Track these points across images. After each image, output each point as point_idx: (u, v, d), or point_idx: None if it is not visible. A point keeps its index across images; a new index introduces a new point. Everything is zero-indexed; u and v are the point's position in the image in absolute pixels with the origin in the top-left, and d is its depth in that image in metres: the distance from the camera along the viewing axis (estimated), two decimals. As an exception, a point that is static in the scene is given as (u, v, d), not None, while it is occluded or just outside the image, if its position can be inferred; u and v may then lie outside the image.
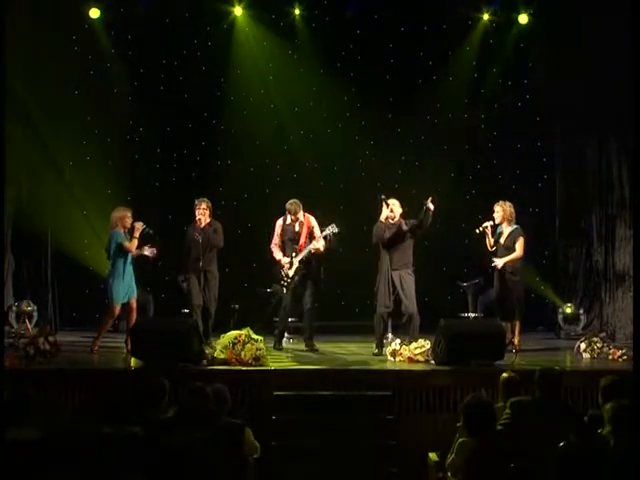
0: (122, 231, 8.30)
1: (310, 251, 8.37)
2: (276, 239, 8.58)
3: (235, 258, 9.47)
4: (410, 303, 8.09)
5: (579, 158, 10.19)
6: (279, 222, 8.62)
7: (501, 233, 8.50)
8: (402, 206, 8.38)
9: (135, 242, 8.28)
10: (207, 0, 10.43)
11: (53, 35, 9.77)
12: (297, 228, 8.52)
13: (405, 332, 8.14)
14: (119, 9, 10.34)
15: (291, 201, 8.50)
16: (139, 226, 8.28)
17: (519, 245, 8.36)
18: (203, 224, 8.39)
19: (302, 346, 8.54)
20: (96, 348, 8.22)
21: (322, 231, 8.46)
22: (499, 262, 8.33)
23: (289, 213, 8.45)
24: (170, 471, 3.81)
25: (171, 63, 10.69)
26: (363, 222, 9.91)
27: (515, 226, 8.48)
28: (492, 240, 8.56)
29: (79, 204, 10.37)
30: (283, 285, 8.40)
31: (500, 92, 10.72)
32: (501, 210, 8.46)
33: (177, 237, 9.60)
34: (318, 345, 8.54)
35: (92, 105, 10.43)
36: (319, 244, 8.34)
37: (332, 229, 8.43)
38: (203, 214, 8.39)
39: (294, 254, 8.42)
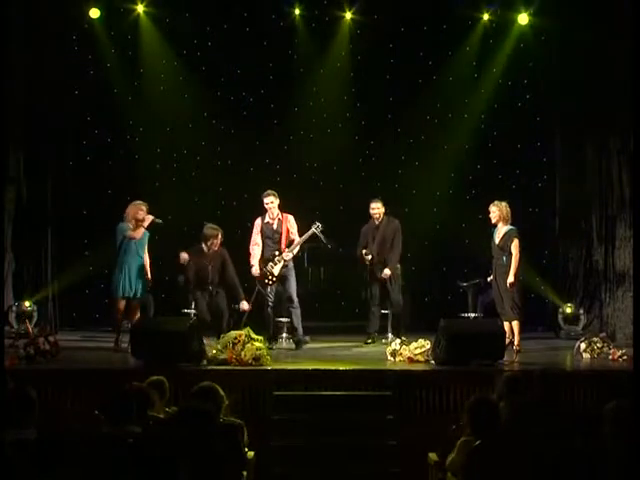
0: (131, 224, 8.33)
1: (296, 252, 8.57)
2: (255, 238, 8.67)
3: (235, 258, 9.45)
4: (396, 295, 8.93)
5: (579, 158, 10.18)
6: (257, 221, 8.70)
7: (497, 233, 8.47)
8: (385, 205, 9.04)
9: (140, 230, 8.31)
10: (208, 0, 10.45)
11: (53, 35, 9.78)
12: (276, 226, 8.60)
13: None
14: (119, 9, 10.34)
15: (268, 191, 8.62)
16: (149, 217, 8.37)
17: (514, 247, 8.24)
18: (213, 250, 8.66)
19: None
20: (118, 344, 8.31)
21: (307, 231, 8.57)
22: (510, 280, 8.21)
23: (267, 197, 8.53)
24: (169, 471, 3.80)
25: (171, 63, 10.70)
26: (363, 222, 9.93)
27: (510, 226, 8.40)
28: None
29: (79, 204, 10.40)
30: (267, 283, 8.50)
31: (500, 92, 10.72)
32: (497, 210, 8.40)
33: (177, 237, 9.63)
34: (318, 345, 8.57)
35: (92, 105, 10.46)
36: (294, 251, 8.57)
37: (318, 228, 8.53)
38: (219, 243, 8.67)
39: (277, 253, 8.50)
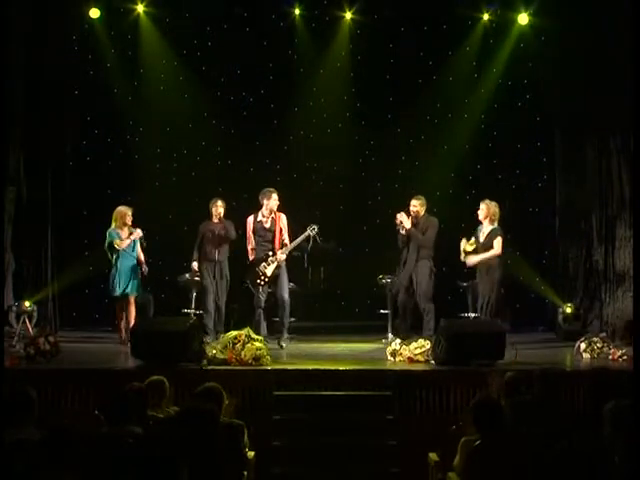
0: (119, 230, 8.66)
1: (289, 251, 8.50)
2: (249, 238, 8.64)
3: (235, 258, 9.46)
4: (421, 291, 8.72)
5: (579, 158, 10.18)
6: (250, 219, 8.67)
7: (481, 232, 8.54)
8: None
9: (125, 242, 8.65)
10: (207, 1, 10.45)
11: (53, 35, 9.78)
12: (268, 225, 8.53)
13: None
14: (119, 9, 10.34)
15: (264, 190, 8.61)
16: (137, 233, 8.70)
17: (497, 243, 8.39)
18: (219, 216, 8.84)
19: (302, 346, 8.55)
20: (123, 337, 8.58)
21: (302, 233, 8.53)
22: (471, 260, 8.39)
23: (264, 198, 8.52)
24: (170, 471, 3.80)
25: (171, 63, 10.69)
26: (363, 222, 9.94)
27: (495, 226, 8.51)
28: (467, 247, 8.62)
29: (79, 204, 10.40)
30: (259, 284, 8.41)
31: (500, 92, 10.72)
32: (485, 208, 8.54)
33: (176, 237, 9.63)
34: (318, 345, 8.57)
35: (92, 105, 10.47)
36: (283, 255, 8.47)
37: (314, 230, 8.47)
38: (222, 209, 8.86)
39: (270, 253, 8.44)
